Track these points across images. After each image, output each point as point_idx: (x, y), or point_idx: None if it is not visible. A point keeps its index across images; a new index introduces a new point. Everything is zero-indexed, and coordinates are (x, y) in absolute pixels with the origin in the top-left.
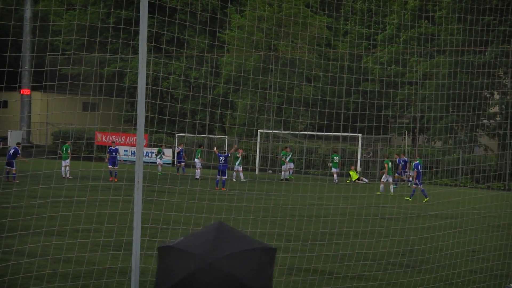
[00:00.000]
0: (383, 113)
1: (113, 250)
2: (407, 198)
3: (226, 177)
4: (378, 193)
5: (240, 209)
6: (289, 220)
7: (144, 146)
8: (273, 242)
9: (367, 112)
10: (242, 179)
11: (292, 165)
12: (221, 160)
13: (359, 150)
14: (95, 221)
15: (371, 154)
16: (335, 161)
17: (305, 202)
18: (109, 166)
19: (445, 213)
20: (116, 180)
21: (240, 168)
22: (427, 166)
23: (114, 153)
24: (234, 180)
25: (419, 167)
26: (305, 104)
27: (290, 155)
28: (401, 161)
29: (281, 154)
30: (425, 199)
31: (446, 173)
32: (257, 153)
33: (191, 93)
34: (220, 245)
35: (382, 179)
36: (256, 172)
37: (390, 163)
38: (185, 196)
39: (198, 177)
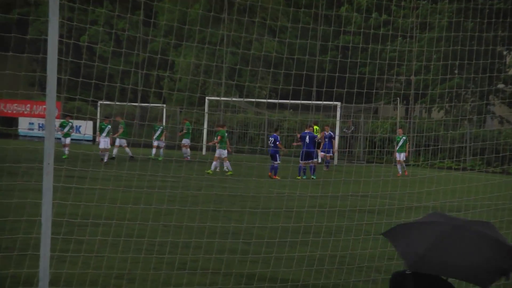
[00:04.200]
0: (378, 76)
1: (19, 252)
2: (299, 177)
3: (278, 162)
4: (210, 171)
5: (177, 198)
6: (248, 213)
7: (56, 118)
8: (229, 242)
9: (347, 75)
10: (227, 167)
11: (225, 153)
12: (270, 142)
13: (338, 123)
14: None
15: (352, 128)
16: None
17: (263, 190)
18: None
19: (447, 204)
20: None
21: (224, 153)
22: (424, 143)
23: None
24: (217, 169)
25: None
26: (267, 64)
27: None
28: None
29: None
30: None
31: (449, 152)
32: (205, 126)
33: (108, 48)
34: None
35: (216, 155)
36: (204, 152)
37: (226, 135)
38: (109, 182)
39: (131, 155)
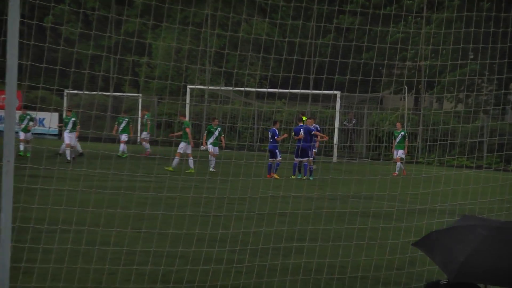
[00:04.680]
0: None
1: None
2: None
3: (279, 158)
4: (170, 169)
5: (157, 202)
6: (231, 216)
7: (17, 109)
8: (211, 251)
9: (339, 59)
10: (211, 168)
11: (217, 150)
12: (270, 137)
13: (337, 115)
14: None
15: (354, 121)
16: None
17: (256, 192)
18: None
19: (460, 208)
20: None
21: (215, 150)
22: (435, 138)
23: None
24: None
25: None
26: (257, 48)
27: (218, 130)
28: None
29: (206, 130)
30: (306, 177)
31: (463, 148)
32: (187, 119)
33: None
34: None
35: (179, 149)
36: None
37: (190, 125)
38: (78, 183)
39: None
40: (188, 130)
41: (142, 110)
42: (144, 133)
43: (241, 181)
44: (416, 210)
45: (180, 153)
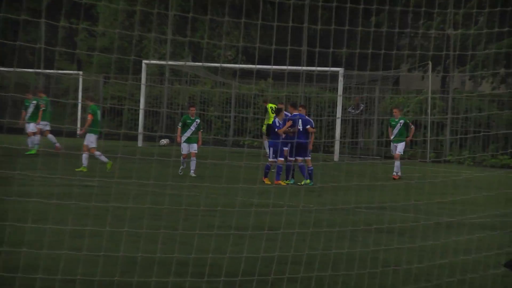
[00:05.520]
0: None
1: None
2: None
3: (280, 159)
4: (83, 169)
5: (104, 213)
6: (204, 234)
7: None
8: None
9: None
10: (192, 172)
11: (195, 147)
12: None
13: (339, 100)
14: None
15: (362, 107)
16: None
17: (234, 201)
18: None
19: (502, 221)
20: None
21: (192, 147)
22: (468, 129)
23: None
24: (181, 172)
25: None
26: (234, 12)
27: (197, 122)
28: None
29: (180, 121)
30: (305, 181)
31: (505, 143)
32: (141, 104)
33: None
34: None
35: (85, 142)
36: (139, 144)
37: (98, 112)
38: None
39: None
40: (90, 117)
41: (38, 91)
42: (43, 122)
43: (217, 186)
44: (457, 224)
45: (87, 146)
